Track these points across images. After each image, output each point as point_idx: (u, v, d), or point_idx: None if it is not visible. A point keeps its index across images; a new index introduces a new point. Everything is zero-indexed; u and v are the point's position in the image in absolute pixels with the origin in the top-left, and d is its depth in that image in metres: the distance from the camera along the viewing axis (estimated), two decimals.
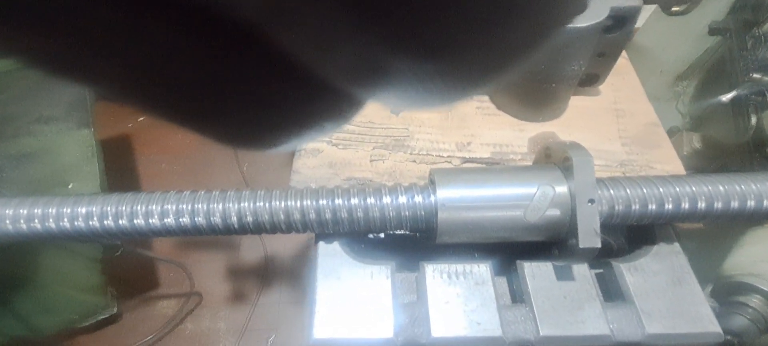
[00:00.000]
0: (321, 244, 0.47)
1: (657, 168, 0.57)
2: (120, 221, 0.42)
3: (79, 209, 0.43)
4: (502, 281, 0.47)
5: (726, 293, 0.84)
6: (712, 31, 1.13)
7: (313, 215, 0.42)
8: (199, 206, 0.42)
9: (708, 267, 0.90)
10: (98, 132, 1.33)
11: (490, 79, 0.12)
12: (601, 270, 0.47)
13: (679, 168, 0.57)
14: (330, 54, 0.11)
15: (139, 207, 0.42)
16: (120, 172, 1.70)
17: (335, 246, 0.47)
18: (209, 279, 1.56)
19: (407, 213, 0.42)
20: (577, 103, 0.65)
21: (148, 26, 0.10)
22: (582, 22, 0.51)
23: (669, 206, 0.42)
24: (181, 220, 0.42)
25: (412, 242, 0.51)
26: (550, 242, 0.44)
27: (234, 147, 0.16)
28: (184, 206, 0.42)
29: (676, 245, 0.46)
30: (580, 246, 0.39)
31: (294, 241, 1.60)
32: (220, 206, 0.42)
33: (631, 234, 0.51)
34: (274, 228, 0.43)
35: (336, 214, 0.42)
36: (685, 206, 0.42)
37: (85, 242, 0.45)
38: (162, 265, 1.57)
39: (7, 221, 0.43)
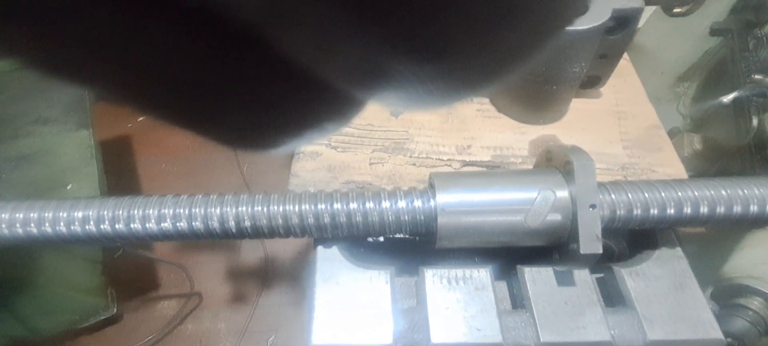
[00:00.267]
0: (320, 248, 0.46)
1: (659, 171, 0.57)
2: (117, 226, 0.42)
3: (76, 214, 0.42)
4: (502, 286, 0.47)
5: (726, 296, 0.84)
6: (714, 31, 1.12)
7: (311, 220, 0.42)
8: (197, 210, 0.42)
9: (708, 270, 0.89)
10: (97, 133, 1.33)
11: (491, 80, 0.12)
12: (601, 275, 0.47)
13: (681, 171, 0.57)
14: (330, 55, 0.11)
15: (136, 212, 0.42)
16: (119, 173, 1.70)
17: (334, 250, 0.46)
18: (209, 280, 1.56)
19: (406, 218, 0.42)
20: (578, 105, 0.64)
21: (148, 27, 0.10)
22: (584, 23, 0.50)
23: (671, 211, 0.41)
24: (178, 224, 0.42)
25: (411, 245, 0.51)
26: (551, 247, 0.44)
27: (234, 148, 0.16)
28: (182, 211, 0.42)
29: (678, 249, 0.46)
30: (582, 252, 0.39)
31: (294, 242, 1.60)
32: (218, 211, 0.42)
33: (633, 238, 0.50)
34: (272, 233, 0.42)
35: (334, 219, 0.42)
36: (688, 210, 0.41)
37: (83, 246, 0.45)
38: (162, 266, 1.57)
39: (3, 225, 0.43)
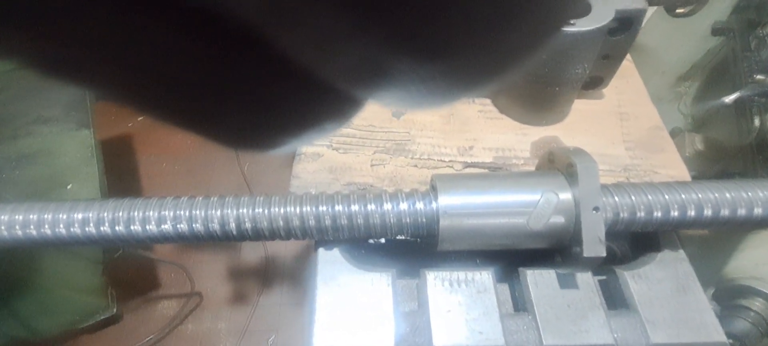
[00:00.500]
0: (321, 250, 0.46)
1: (661, 173, 0.57)
2: (117, 228, 0.42)
3: (76, 216, 0.42)
4: (505, 289, 0.47)
5: (728, 297, 0.83)
6: (715, 31, 1.12)
7: (312, 222, 0.41)
8: (197, 212, 0.42)
9: (710, 271, 0.89)
10: (98, 132, 1.33)
11: (492, 79, 0.12)
12: (604, 277, 0.46)
13: (683, 173, 0.57)
14: (330, 54, 0.11)
15: (136, 213, 0.42)
16: (120, 172, 1.70)
17: (335, 253, 0.46)
18: (210, 280, 1.56)
19: (408, 220, 0.41)
20: (580, 106, 0.64)
21: (148, 27, 0.10)
22: (587, 24, 0.50)
23: (675, 213, 0.41)
24: (178, 226, 0.42)
25: (413, 247, 0.51)
26: (553, 250, 0.43)
27: (234, 148, 0.16)
28: (182, 213, 0.42)
29: (681, 252, 0.46)
30: (585, 255, 0.38)
31: (295, 242, 1.59)
32: (219, 213, 0.42)
33: (635, 240, 0.50)
34: (272, 235, 0.42)
35: (336, 221, 0.41)
36: (691, 213, 0.41)
37: (82, 247, 0.45)
38: (162, 266, 1.57)
39: (3, 227, 0.42)
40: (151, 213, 0.42)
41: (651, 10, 1.30)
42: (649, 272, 0.44)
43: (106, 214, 0.42)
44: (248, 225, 0.41)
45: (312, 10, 0.09)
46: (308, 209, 0.42)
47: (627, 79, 0.67)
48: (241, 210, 0.42)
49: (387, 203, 0.42)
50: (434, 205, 0.41)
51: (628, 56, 0.68)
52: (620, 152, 0.59)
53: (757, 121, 0.98)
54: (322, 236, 0.43)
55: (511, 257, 0.46)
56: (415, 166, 0.58)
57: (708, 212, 0.41)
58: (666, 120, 0.63)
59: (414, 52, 0.10)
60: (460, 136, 0.61)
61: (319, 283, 0.44)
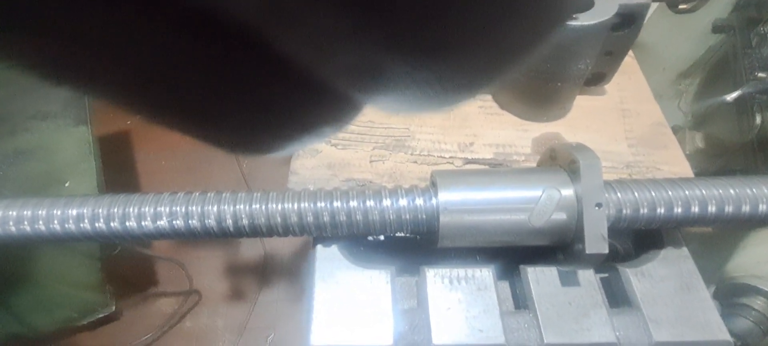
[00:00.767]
0: (319, 247, 0.46)
1: (664, 169, 0.56)
2: (112, 224, 0.41)
3: (70, 211, 0.42)
4: (505, 287, 0.46)
5: (729, 295, 0.83)
6: (716, 28, 1.11)
7: (310, 218, 0.41)
8: (194, 208, 0.41)
9: (711, 269, 0.89)
10: (96, 128, 1.32)
11: (492, 77, 0.12)
12: (606, 275, 0.46)
13: (686, 170, 0.56)
14: (330, 55, 0.11)
15: (131, 209, 0.41)
16: (118, 169, 1.69)
17: (334, 249, 0.45)
18: (208, 277, 1.55)
19: (408, 216, 0.41)
20: (582, 102, 0.63)
21: (147, 29, 0.10)
22: (589, 19, 0.49)
23: (678, 210, 0.41)
24: (174, 222, 0.41)
25: (412, 244, 0.50)
26: (555, 247, 0.43)
27: (233, 151, 0.16)
28: (178, 209, 0.41)
29: (684, 249, 0.45)
30: (587, 252, 0.38)
31: (293, 239, 1.59)
32: (215, 208, 0.41)
33: (638, 238, 0.50)
34: (270, 231, 0.42)
35: (334, 217, 0.41)
36: (695, 209, 0.41)
37: (77, 244, 0.44)
38: (161, 263, 1.56)
39: None
40: (146, 209, 0.41)
41: (652, 7, 1.29)
42: (652, 269, 0.44)
43: (101, 210, 0.42)
44: (245, 222, 0.41)
45: (311, 13, 0.09)
46: (306, 205, 0.41)
47: (629, 76, 0.67)
48: (238, 206, 0.41)
49: (386, 199, 0.41)
50: (434, 201, 0.40)
51: (631, 53, 0.67)
52: (623, 149, 0.58)
53: (758, 119, 0.97)
54: (321, 232, 0.42)
55: (512, 254, 0.46)
56: (415, 162, 0.57)
57: (712, 209, 0.40)
58: (666, 117, 0.62)
59: (414, 52, 0.10)
60: (461, 132, 0.60)
61: (317, 280, 0.43)
